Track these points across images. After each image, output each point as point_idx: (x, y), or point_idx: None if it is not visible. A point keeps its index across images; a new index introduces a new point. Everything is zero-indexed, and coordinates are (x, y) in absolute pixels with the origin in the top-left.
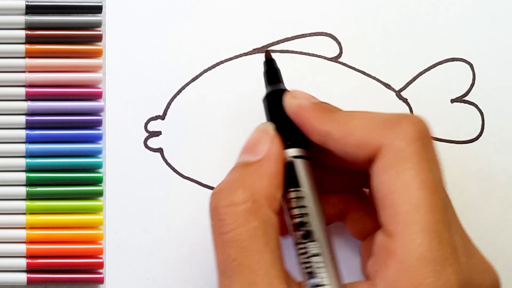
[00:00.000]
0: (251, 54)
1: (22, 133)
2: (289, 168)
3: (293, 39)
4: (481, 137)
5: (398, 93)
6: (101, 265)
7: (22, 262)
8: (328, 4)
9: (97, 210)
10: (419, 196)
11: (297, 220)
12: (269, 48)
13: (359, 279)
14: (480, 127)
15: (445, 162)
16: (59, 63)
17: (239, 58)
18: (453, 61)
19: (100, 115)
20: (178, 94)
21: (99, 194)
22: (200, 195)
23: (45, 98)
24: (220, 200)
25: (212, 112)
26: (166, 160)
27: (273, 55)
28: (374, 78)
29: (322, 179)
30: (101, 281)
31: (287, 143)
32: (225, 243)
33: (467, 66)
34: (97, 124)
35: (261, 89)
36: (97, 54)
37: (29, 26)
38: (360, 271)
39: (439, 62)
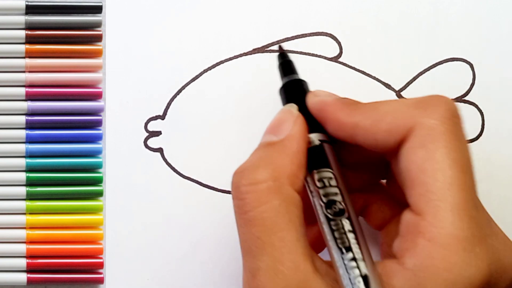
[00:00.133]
0: (251, 54)
1: (22, 133)
2: (317, 150)
3: (293, 39)
4: (481, 137)
5: (398, 93)
6: (101, 265)
7: (22, 262)
8: (328, 4)
9: (97, 210)
10: (451, 174)
11: (330, 198)
12: (269, 48)
13: None
14: (480, 127)
15: None
16: (59, 63)
17: (239, 58)
18: (453, 61)
19: (100, 115)
20: (178, 94)
21: (99, 194)
22: (200, 195)
23: (45, 98)
24: (242, 179)
25: (212, 112)
26: (166, 160)
27: (273, 55)
28: (374, 78)
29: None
30: (101, 281)
31: (311, 127)
32: (248, 222)
33: (467, 66)
34: (97, 124)
35: (261, 89)
36: (97, 54)
37: (29, 26)
38: None
39: (439, 62)
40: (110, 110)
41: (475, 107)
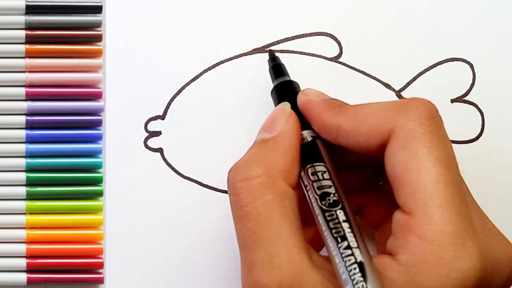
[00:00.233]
0: (251, 54)
1: (22, 133)
2: (310, 146)
3: (293, 39)
4: (481, 137)
5: (398, 93)
6: (101, 265)
7: (22, 262)
8: (328, 4)
9: (97, 210)
10: (435, 172)
11: (324, 190)
12: (269, 48)
13: None
14: (480, 127)
15: None
16: (59, 63)
17: (239, 58)
18: (453, 61)
19: (100, 115)
20: (178, 94)
21: (99, 194)
22: (200, 195)
23: (45, 98)
24: (236, 175)
25: (212, 112)
26: (166, 160)
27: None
28: (374, 78)
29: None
30: (101, 281)
31: (305, 125)
32: (243, 217)
33: (467, 66)
34: (97, 124)
35: (261, 89)
36: (97, 54)
37: (29, 26)
38: None
39: (439, 62)
40: (110, 110)
41: (475, 107)
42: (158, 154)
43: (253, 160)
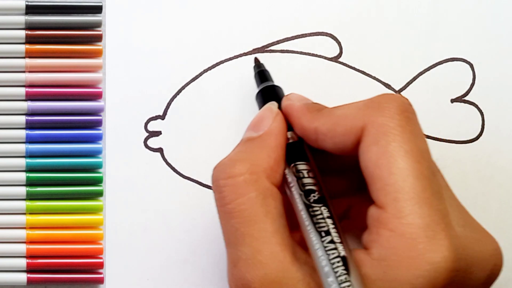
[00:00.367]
0: (251, 54)
1: (22, 133)
2: (296, 145)
3: (293, 39)
4: (481, 137)
5: (398, 93)
6: (101, 265)
7: (22, 262)
8: (328, 4)
9: (97, 210)
10: (405, 166)
11: (308, 187)
12: (269, 48)
13: None
14: (480, 127)
15: (445, 162)
16: (59, 63)
17: (239, 58)
18: (453, 61)
19: (100, 115)
20: (178, 94)
21: (99, 194)
22: (200, 195)
23: (45, 98)
24: (220, 173)
25: (212, 112)
26: (166, 160)
27: (273, 55)
28: (374, 78)
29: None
30: (101, 281)
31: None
32: (227, 214)
33: (467, 66)
34: (97, 124)
35: None
36: (97, 54)
37: (29, 26)
38: None
39: (439, 62)
40: (110, 110)
41: (475, 107)
42: (158, 154)
43: (237, 158)
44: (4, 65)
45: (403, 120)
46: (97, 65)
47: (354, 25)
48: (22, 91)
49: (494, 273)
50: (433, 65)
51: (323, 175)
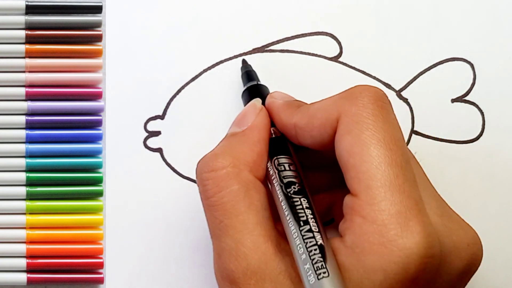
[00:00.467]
0: (251, 54)
1: (22, 133)
2: (279, 140)
3: (293, 39)
4: (481, 137)
5: (398, 93)
6: (101, 265)
7: (22, 262)
8: (328, 4)
9: (97, 210)
10: (377, 153)
11: (290, 179)
12: (269, 48)
13: None
14: (480, 127)
15: (445, 162)
16: (59, 63)
17: (239, 58)
18: (454, 61)
19: (100, 115)
20: (178, 94)
21: (99, 194)
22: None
23: (45, 98)
24: (204, 167)
25: (211, 112)
26: (166, 160)
27: (273, 55)
28: (374, 78)
29: (308, 180)
30: (101, 281)
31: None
32: (211, 207)
33: (468, 66)
34: (97, 124)
35: None
36: (97, 54)
37: (29, 26)
38: None
39: (439, 62)
40: (110, 110)
41: (476, 107)
42: (157, 154)
43: (220, 152)
44: (4, 65)
45: (376, 109)
46: (97, 65)
47: (354, 25)
48: (22, 91)
49: (472, 263)
50: (433, 65)
51: (306, 171)
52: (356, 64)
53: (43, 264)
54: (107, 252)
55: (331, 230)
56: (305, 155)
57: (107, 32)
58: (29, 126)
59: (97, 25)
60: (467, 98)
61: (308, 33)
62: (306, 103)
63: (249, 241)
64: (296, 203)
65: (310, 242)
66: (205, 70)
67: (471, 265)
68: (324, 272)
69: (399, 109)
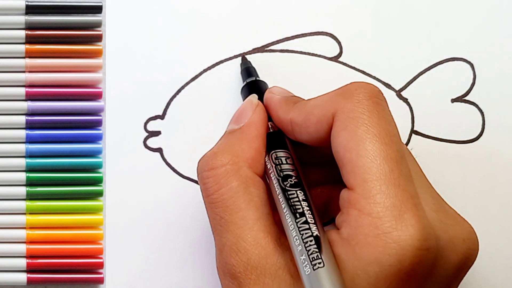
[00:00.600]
0: (251, 54)
1: (22, 133)
2: (276, 134)
3: (293, 39)
4: (481, 137)
5: (398, 93)
6: (101, 265)
7: (22, 262)
8: (328, 4)
9: (97, 210)
10: (373, 148)
11: (286, 173)
12: (269, 48)
13: None
14: (480, 127)
15: (445, 162)
16: (59, 63)
17: (239, 58)
18: (454, 61)
19: (100, 115)
20: (178, 94)
21: (99, 194)
22: (199, 194)
23: (45, 98)
24: (204, 166)
25: (211, 112)
26: (166, 160)
27: (273, 55)
28: (374, 78)
29: (305, 175)
30: (101, 281)
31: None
32: (212, 204)
33: (468, 66)
34: (97, 124)
35: None
36: (97, 54)
37: (29, 26)
38: None
39: (439, 62)
40: (110, 110)
41: (476, 107)
42: (157, 154)
43: (219, 150)
44: (4, 65)
45: (371, 106)
46: (97, 65)
47: (354, 25)
48: (22, 91)
49: (468, 258)
50: (433, 65)
51: (303, 167)
52: (356, 64)
53: (43, 264)
54: (107, 252)
55: (330, 229)
56: (302, 151)
57: (107, 32)
58: (29, 126)
59: (97, 25)
60: (467, 98)
61: (308, 33)
62: (303, 99)
63: (250, 236)
64: (292, 196)
65: (306, 233)
66: (205, 70)
67: (467, 260)
68: (319, 263)
69: (399, 109)
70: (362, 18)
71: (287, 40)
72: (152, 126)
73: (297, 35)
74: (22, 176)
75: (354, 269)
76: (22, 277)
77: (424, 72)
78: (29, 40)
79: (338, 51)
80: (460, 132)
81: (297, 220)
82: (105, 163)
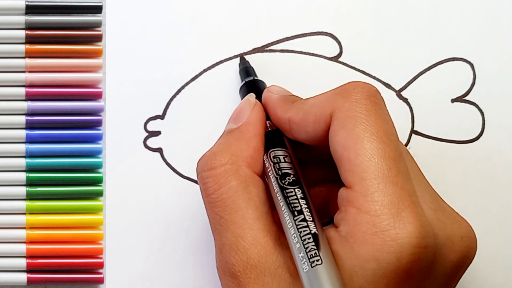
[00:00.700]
0: (251, 54)
1: (22, 133)
2: (274, 133)
3: (293, 39)
4: (481, 137)
5: (398, 93)
6: (101, 265)
7: (22, 262)
8: (328, 4)
9: (97, 210)
10: (370, 146)
11: (284, 171)
12: (269, 48)
13: None
14: (480, 127)
15: (445, 162)
16: (59, 63)
17: (239, 58)
18: (454, 61)
19: (100, 115)
20: (178, 94)
21: (99, 194)
22: (199, 194)
23: (45, 98)
24: (203, 166)
25: (211, 112)
26: (166, 160)
27: (273, 55)
28: (374, 78)
29: (304, 174)
30: (101, 281)
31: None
32: (211, 204)
33: (468, 66)
34: (97, 124)
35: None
36: (97, 54)
37: (29, 26)
38: None
39: (439, 62)
40: (110, 110)
41: (476, 107)
42: (157, 154)
43: (218, 150)
44: (4, 65)
45: (369, 105)
46: (97, 65)
47: (354, 25)
48: (22, 91)
49: (466, 256)
50: (433, 65)
51: (302, 166)
52: (356, 64)
53: (43, 264)
54: (107, 252)
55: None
56: (300, 151)
57: (107, 32)
58: (29, 126)
59: (97, 25)
60: (467, 98)
61: (308, 33)
62: (302, 98)
63: (249, 235)
64: (290, 194)
65: (304, 231)
66: (205, 70)
67: (465, 258)
68: (317, 260)
69: (399, 109)
70: (362, 18)
71: (287, 40)
72: (152, 126)
73: (297, 35)
74: (22, 176)
75: (352, 266)
76: (22, 277)
77: (424, 72)
78: (29, 40)
79: (338, 51)
80: (460, 132)
81: (295, 218)
82: (105, 163)
